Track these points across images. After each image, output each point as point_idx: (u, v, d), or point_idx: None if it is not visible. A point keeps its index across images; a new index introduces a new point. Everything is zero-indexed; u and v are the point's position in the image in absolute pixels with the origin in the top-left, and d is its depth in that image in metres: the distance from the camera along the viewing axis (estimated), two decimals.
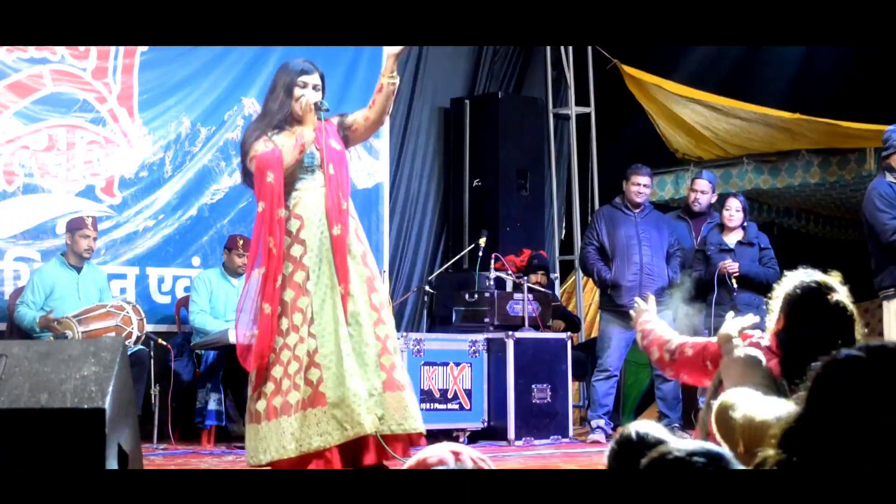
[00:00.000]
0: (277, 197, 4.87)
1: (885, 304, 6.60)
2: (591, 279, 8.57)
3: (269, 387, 4.82)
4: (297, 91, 4.96)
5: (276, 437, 4.77)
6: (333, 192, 4.92)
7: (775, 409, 2.61)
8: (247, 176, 5.06)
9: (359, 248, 5.01)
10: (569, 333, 8.13)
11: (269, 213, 4.86)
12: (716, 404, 2.80)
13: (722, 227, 7.80)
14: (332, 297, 4.86)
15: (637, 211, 7.84)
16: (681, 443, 1.98)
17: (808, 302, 3.13)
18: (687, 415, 8.09)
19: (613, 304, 7.76)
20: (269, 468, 4.75)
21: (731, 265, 7.53)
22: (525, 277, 8.16)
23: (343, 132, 5.10)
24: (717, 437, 2.76)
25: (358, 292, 4.91)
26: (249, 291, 4.92)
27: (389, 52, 5.01)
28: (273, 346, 4.82)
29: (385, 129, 9.15)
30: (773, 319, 3.19)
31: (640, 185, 7.85)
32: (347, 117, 5.14)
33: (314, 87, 5.01)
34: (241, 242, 7.69)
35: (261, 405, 4.83)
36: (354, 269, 4.94)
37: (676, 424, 7.68)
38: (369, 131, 5.22)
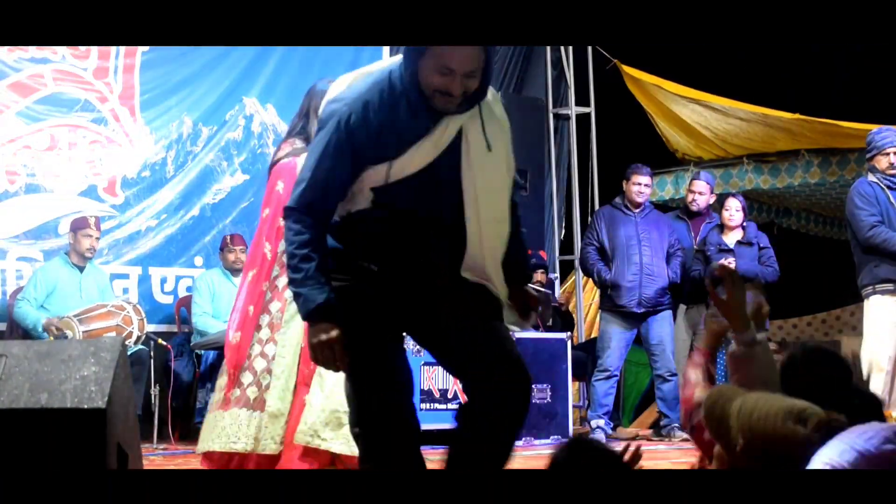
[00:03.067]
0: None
1: (865, 302, 6.64)
2: (591, 279, 8.56)
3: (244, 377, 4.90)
4: None
5: (235, 427, 4.84)
6: None
7: (777, 399, 2.50)
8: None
9: None
10: (569, 333, 8.13)
11: (271, 219, 4.91)
12: (704, 399, 2.70)
13: (722, 228, 7.81)
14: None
15: (637, 211, 7.84)
16: None
17: None
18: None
19: (614, 304, 7.76)
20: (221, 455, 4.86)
21: (727, 263, 7.54)
22: None
23: None
24: (707, 433, 2.68)
25: None
26: (241, 292, 5.01)
27: None
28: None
29: None
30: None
31: (641, 185, 7.85)
32: None
33: None
34: (228, 239, 7.74)
35: (234, 394, 4.91)
36: None
37: (676, 424, 7.68)
38: None
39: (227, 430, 4.85)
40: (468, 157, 3.14)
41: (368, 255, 3.13)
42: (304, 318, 3.08)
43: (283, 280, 4.90)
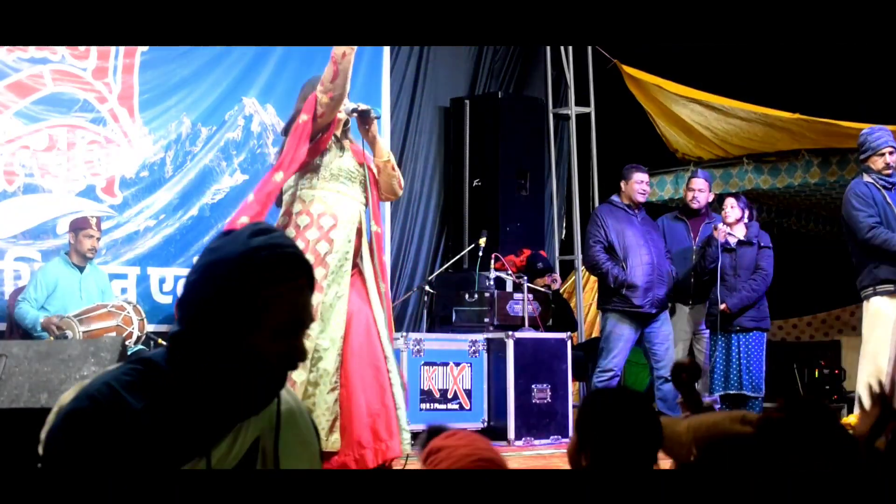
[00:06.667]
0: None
1: (864, 303, 6.63)
2: (601, 279, 8.42)
3: None
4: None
5: None
6: (375, 197, 5.13)
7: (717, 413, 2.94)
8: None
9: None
10: (569, 333, 8.12)
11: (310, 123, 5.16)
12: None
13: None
14: (341, 305, 4.97)
15: (637, 211, 7.83)
16: None
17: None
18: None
19: (629, 304, 7.66)
20: None
21: (722, 229, 7.65)
22: (525, 278, 8.15)
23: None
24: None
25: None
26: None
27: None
28: None
29: (386, 129, 9.16)
30: None
31: (643, 183, 7.80)
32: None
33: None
34: None
35: None
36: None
37: None
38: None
39: None
40: None
41: None
42: None
43: (320, 271, 4.93)
